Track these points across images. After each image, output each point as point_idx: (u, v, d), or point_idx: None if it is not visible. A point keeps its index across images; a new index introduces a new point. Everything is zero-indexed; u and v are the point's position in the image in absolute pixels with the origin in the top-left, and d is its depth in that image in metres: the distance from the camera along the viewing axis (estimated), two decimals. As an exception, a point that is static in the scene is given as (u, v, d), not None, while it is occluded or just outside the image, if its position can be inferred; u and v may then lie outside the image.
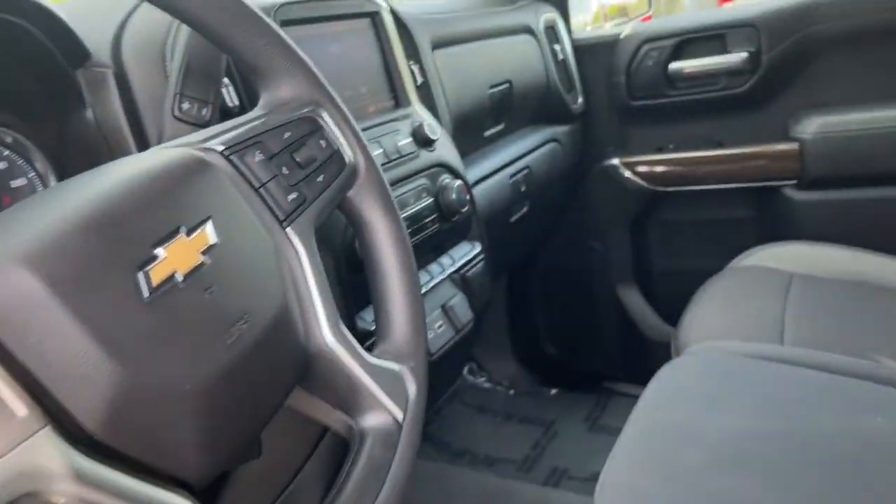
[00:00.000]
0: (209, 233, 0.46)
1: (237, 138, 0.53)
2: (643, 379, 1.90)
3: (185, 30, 0.72)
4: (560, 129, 1.66)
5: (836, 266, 1.34)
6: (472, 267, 1.11)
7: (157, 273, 0.42)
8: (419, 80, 1.13)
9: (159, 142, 0.72)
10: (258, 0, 0.78)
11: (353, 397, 0.54)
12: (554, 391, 1.90)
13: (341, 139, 0.60)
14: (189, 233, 0.45)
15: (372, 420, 0.55)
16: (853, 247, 1.37)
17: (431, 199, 1.02)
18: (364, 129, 0.66)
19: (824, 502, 0.74)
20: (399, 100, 1.08)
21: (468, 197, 1.08)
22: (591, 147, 1.76)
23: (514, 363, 1.95)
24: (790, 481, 0.77)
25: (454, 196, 1.04)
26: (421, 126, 1.04)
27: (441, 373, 1.02)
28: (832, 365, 1.02)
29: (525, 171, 1.46)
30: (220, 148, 0.52)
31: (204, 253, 0.45)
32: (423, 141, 1.04)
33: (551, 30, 1.65)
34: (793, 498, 0.75)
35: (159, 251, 0.43)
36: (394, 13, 1.14)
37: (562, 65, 1.66)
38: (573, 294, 1.90)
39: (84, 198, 0.43)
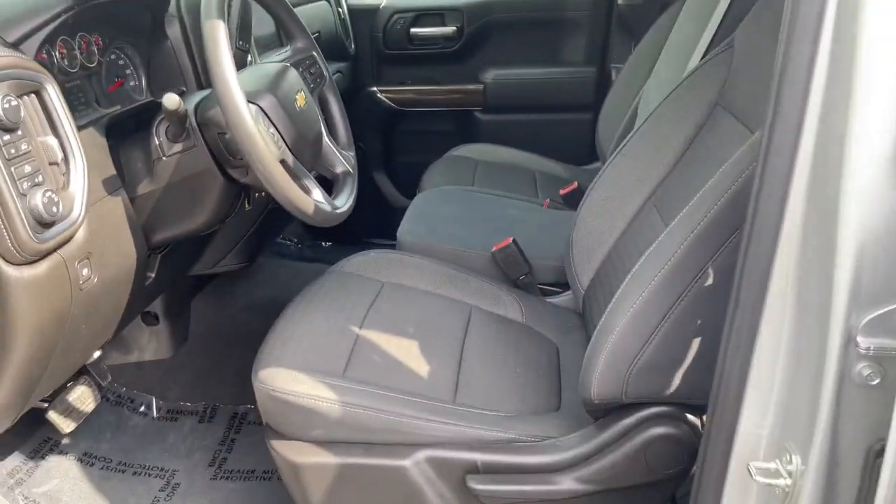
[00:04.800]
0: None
1: (301, 60, 1.36)
2: (390, 234, 2.87)
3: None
4: (341, 65, 2.52)
5: (503, 155, 2.44)
6: None
7: None
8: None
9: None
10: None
11: None
12: (328, 244, 2.80)
13: (321, 64, 1.46)
14: None
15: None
16: (512, 147, 2.48)
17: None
18: None
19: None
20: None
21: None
22: (358, 78, 2.66)
23: (299, 226, 2.80)
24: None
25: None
26: None
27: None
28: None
29: None
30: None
31: None
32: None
33: (336, -2, 2.50)
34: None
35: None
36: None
37: (343, 22, 2.52)
38: None
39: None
